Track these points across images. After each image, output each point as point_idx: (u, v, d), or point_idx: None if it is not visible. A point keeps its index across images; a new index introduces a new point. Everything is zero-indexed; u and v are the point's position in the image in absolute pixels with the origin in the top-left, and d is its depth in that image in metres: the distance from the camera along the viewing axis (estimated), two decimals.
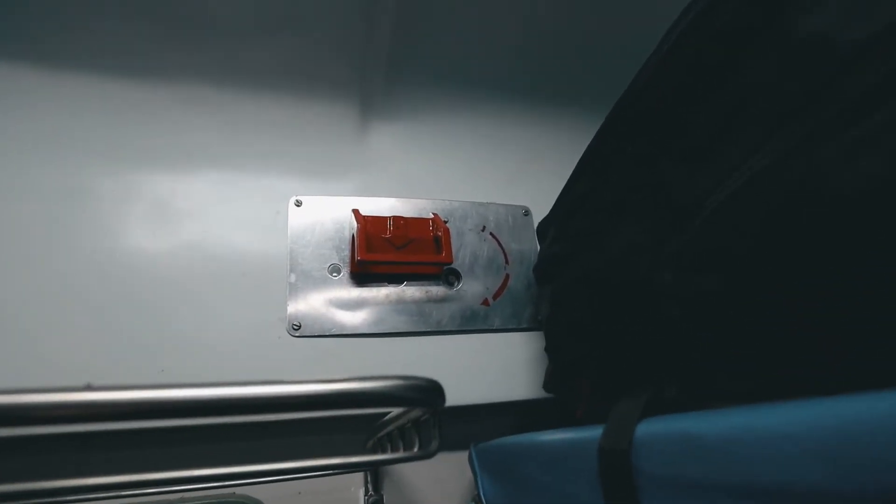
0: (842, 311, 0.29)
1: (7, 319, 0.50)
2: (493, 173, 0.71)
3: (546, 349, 0.56)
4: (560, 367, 0.53)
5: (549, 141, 0.74)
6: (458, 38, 0.67)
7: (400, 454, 0.41)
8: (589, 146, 0.51)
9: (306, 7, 0.61)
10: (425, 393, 0.34)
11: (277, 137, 0.64)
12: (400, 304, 0.60)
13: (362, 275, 0.60)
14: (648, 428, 0.32)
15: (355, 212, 0.60)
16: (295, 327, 0.57)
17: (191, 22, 0.60)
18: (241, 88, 0.64)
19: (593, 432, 0.36)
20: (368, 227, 0.59)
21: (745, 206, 0.32)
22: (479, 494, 0.53)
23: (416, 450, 0.41)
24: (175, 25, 0.60)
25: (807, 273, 0.30)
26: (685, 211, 0.36)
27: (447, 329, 0.61)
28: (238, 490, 0.57)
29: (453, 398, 0.62)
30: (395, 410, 0.48)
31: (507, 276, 0.66)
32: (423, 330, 0.60)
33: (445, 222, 0.64)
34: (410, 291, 0.61)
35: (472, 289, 0.64)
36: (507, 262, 0.66)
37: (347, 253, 0.61)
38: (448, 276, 0.63)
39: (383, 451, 0.50)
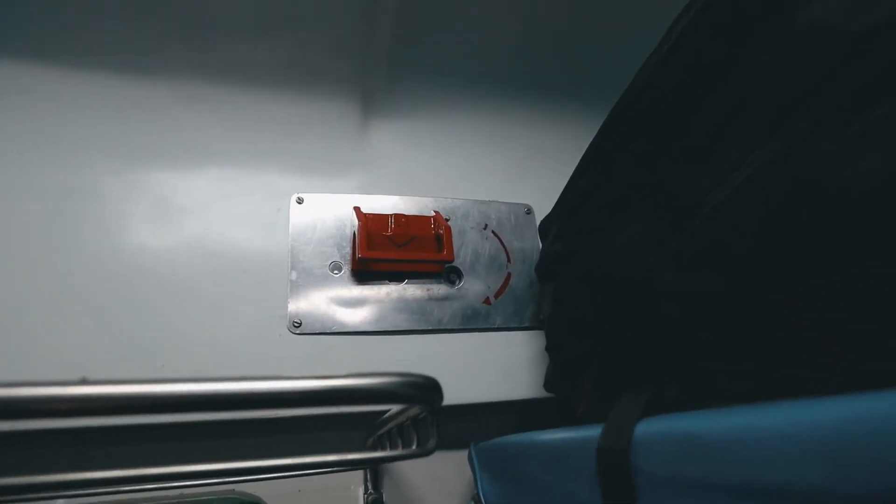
0: (842, 311, 0.29)
1: (9, 316, 0.50)
2: (494, 171, 0.71)
3: (547, 348, 0.56)
4: (562, 365, 0.53)
5: (551, 139, 0.73)
6: (458, 35, 0.67)
7: (397, 451, 0.41)
8: (591, 143, 0.50)
9: (307, 5, 0.61)
10: (422, 390, 0.34)
11: (279, 135, 0.64)
12: (401, 303, 0.60)
13: (363, 273, 0.60)
14: (648, 427, 0.32)
15: (356, 209, 0.59)
16: (296, 324, 0.57)
17: (192, 20, 0.60)
18: (242, 86, 0.64)
19: (593, 431, 0.35)
20: (370, 225, 0.59)
21: (745, 205, 0.31)
22: (478, 494, 0.53)
23: (414, 447, 0.40)
24: (176, 24, 0.60)
25: (807, 272, 0.30)
26: (685, 210, 0.35)
27: (448, 327, 0.61)
28: (238, 487, 0.57)
29: (453, 397, 0.62)
30: (395, 408, 0.48)
31: (509, 275, 0.65)
32: (424, 328, 0.60)
33: (447, 220, 0.64)
34: (411, 290, 0.61)
35: (473, 287, 0.63)
36: (508, 260, 0.66)
37: (349, 251, 0.61)
38: (449, 274, 0.63)
39: (383, 448, 0.50)
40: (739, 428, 0.25)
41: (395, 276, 0.61)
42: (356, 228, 0.58)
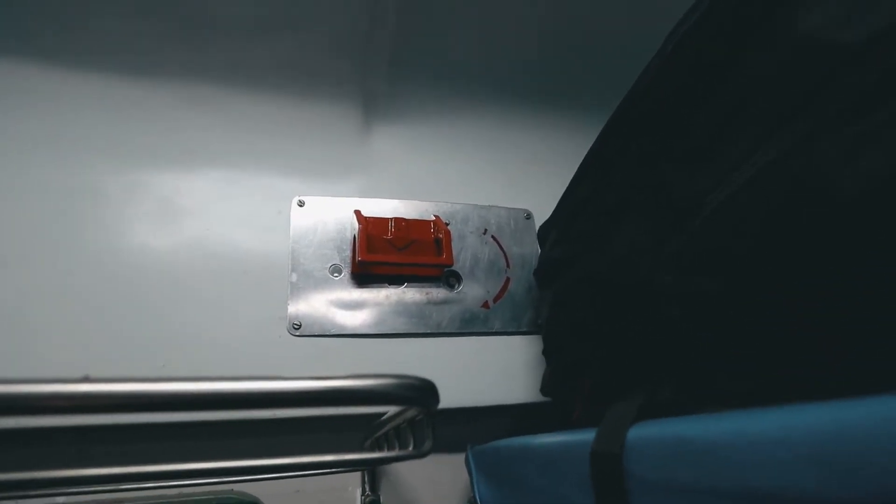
0: (842, 312, 0.29)
1: (11, 315, 0.50)
2: (495, 176, 0.71)
3: (544, 352, 0.56)
4: (560, 368, 0.53)
5: (552, 144, 0.74)
6: (460, 39, 0.67)
7: (393, 453, 0.41)
8: (591, 149, 0.51)
9: (308, 6, 0.62)
10: (418, 392, 0.34)
11: (280, 137, 0.65)
12: (400, 306, 0.60)
13: (363, 276, 0.60)
14: (641, 432, 0.32)
15: (357, 212, 0.60)
16: (295, 326, 0.57)
17: (193, 21, 0.61)
18: (243, 88, 0.64)
19: (587, 435, 0.36)
20: (370, 228, 0.59)
21: (745, 206, 0.32)
22: (474, 496, 0.53)
23: (410, 449, 0.41)
24: (178, 24, 0.60)
25: (807, 273, 0.30)
26: (685, 211, 0.36)
27: (447, 331, 0.61)
28: (236, 487, 0.57)
29: (451, 400, 0.62)
30: (392, 410, 0.48)
31: (508, 280, 0.66)
32: (423, 331, 0.60)
33: (447, 224, 0.64)
34: (411, 293, 0.61)
35: (472, 291, 0.64)
36: (508, 265, 0.66)
37: (349, 253, 0.61)
38: (449, 278, 0.64)
39: (380, 450, 0.50)
40: (731, 433, 0.26)
41: (395, 280, 0.61)
42: (356, 231, 0.59)
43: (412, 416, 0.42)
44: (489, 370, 0.61)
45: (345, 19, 0.63)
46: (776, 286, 0.31)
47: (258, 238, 0.60)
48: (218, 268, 0.57)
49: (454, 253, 0.64)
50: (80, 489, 0.38)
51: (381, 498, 0.62)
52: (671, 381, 0.35)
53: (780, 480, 0.23)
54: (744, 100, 0.34)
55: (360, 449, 0.53)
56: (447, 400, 0.62)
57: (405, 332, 0.60)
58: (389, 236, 0.59)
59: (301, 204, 0.62)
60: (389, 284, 0.61)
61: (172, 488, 0.48)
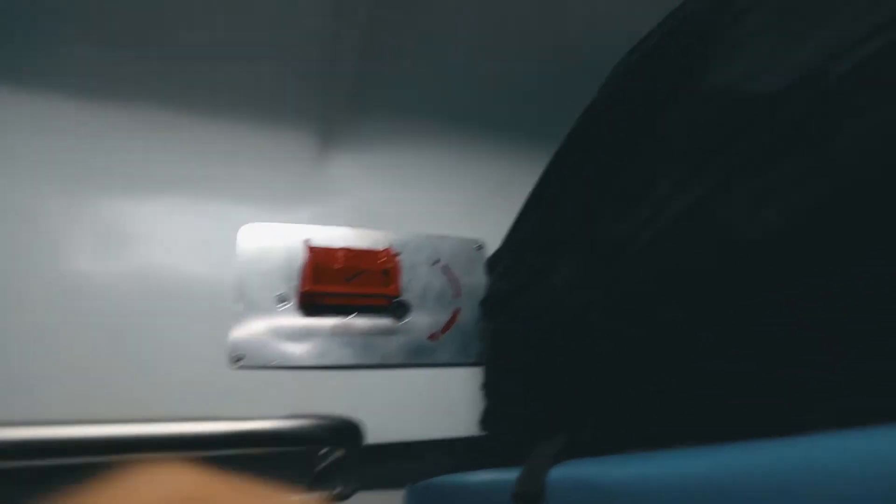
0: (752, 359, 0.30)
1: None
2: (449, 206, 0.72)
3: (483, 385, 0.56)
4: (496, 402, 0.53)
5: (507, 175, 0.75)
6: (420, 71, 0.69)
7: (313, 495, 0.41)
8: (537, 183, 0.52)
9: (267, 35, 0.62)
10: (336, 433, 0.33)
11: (233, 163, 0.64)
12: (346, 337, 0.60)
13: (310, 306, 0.60)
14: (560, 473, 0.32)
15: (306, 242, 0.60)
16: (238, 358, 0.56)
17: (143, 45, 0.60)
18: (195, 113, 0.64)
19: (513, 475, 0.35)
20: (318, 258, 0.59)
21: (663, 251, 0.33)
22: None
23: (337, 489, 0.40)
24: (131, 49, 0.60)
25: (719, 320, 0.31)
26: (612, 254, 0.37)
27: (393, 363, 0.60)
28: None
29: (395, 434, 0.61)
30: (325, 449, 0.47)
31: (458, 311, 0.66)
32: (369, 363, 0.60)
33: (397, 254, 0.64)
34: (358, 323, 0.61)
35: (420, 322, 0.63)
36: (458, 295, 0.67)
37: (297, 283, 0.60)
38: (397, 308, 0.63)
39: (316, 489, 0.49)
40: (634, 477, 0.26)
41: (343, 310, 0.61)
42: (304, 261, 0.58)
43: (340, 455, 0.41)
44: (434, 403, 0.60)
45: (304, 48, 0.64)
46: (690, 328, 0.31)
47: (205, 266, 0.59)
48: (161, 297, 0.56)
49: (405, 283, 0.64)
50: None
51: None
52: (593, 421, 0.35)
53: None
54: (666, 147, 0.35)
55: (299, 486, 0.52)
56: (390, 434, 0.62)
57: (350, 363, 0.59)
58: (338, 266, 0.59)
59: (250, 231, 0.62)
60: (337, 314, 0.60)
61: None
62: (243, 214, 0.62)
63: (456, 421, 0.60)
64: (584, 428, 0.35)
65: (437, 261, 0.67)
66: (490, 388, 0.54)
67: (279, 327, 0.58)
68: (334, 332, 0.60)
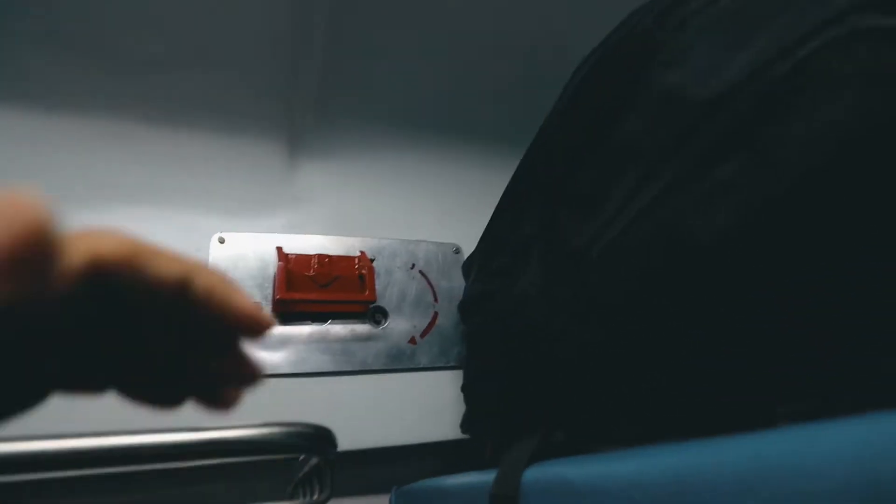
0: (709, 355, 0.30)
1: None
2: (424, 211, 0.72)
3: (462, 388, 0.56)
4: (474, 405, 0.53)
5: (480, 179, 0.75)
6: (387, 77, 0.68)
7: (288, 502, 0.40)
8: (506, 188, 0.52)
9: (231, 45, 0.61)
10: (309, 441, 0.33)
11: (201, 173, 0.63)
12: (323, 343, 0.59)
13: (285, 313, 0.59)
14: (535, 474, 0.32)
15: (278, 249, 0.59)
16: None
17: (111, 57, 0.59)
18: (163, 124, 0.63)
19: (490, 476, 0.36)
20: (291, 265, 0.58)
21: (620, 256, 0.33)
22: None
23: (314, 497, 0.40)
24: (94, 60, 0.59)
25: (677, 320, 0.31)
26: (573, 258, 0.37)
27: (372, 368, 0.60)
28: None
29: (376, 439, 0.60)
30: (303, 456, 0.47)
31: (436, 314, 0.66)
32: (348, 369, 0.59)
33: (372, 260, 0.64)
34: (335, 330, 0.60)
35: (398, 327, 0.63)
36: (435, 300, 0.66)
37: (271, 291, 0.60)
38: (374, 314, 0.63)
39: (295, 497, 0.48)
40: (603, 476, 0.26)
41: (319, 317, 0.60)
42: (277, 269, 0.58)
43: (316, 463, 0.41)
44: (416, 407, 0.60)
45: (269, 57, 0.63)
46: (650, 330, 0.32)
47: None
48: None
49: (380, 288, 0.63)
50: None
51: None
52: (564, 422, 0.35)
53: None
54: (620, 153, 0.35)
55: (282, 495, 0.51)
56: (372, 439, 0.61)
57: (328, 370, 0.58)
58: (311, 273, 0.59)
59: (222, 241, 0.61)
60: (313, 321, 0.60)
61: None
62: (215, 223, 0.62)
63: (439, 424, 0.60)
64: (557, 429, 0.35)
65: (413, 265, 0.67)
66: (469, 391, 0.54)
67: None
68: (311, 340, 0.59)
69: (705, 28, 0.30)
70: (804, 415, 0.20)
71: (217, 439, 0.29)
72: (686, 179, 0.29)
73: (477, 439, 0.54)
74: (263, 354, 0.57)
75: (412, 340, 0.63)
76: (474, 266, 0.58)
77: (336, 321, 0.61)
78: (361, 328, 0.61)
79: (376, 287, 0.62)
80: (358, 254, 0.63)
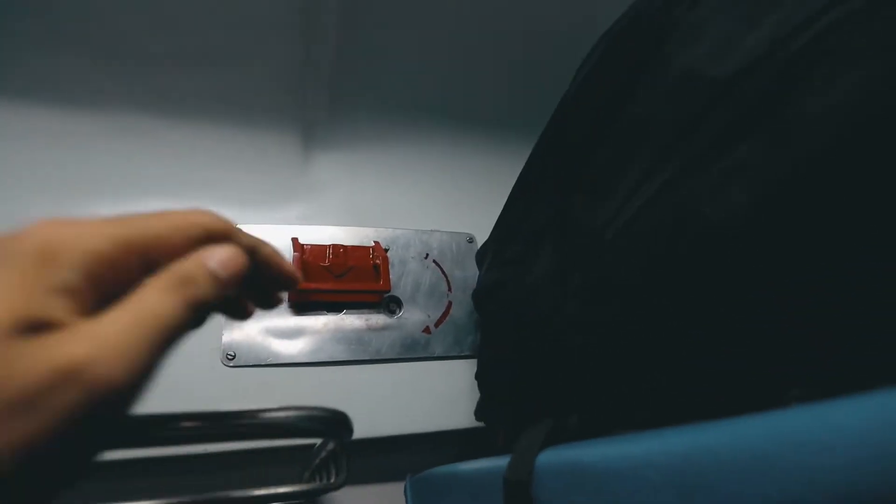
0: (726, 336, 0.30)
1: None
2: (437, 201, 0.72)
3: (476, 376, 0.56)
4: (488, 392, 0.53)
5: (494, 167, 0.75)
6: (400, 67, 0.69)
7: (304, 486, 0.41)
8: (520, 174, 0.52)
9: (244, 39, 0.62)
10: (325, 424, 0.33)
11: (216, 167, 0.64)
12: (339, 333, 0.60)
13: (301, 303, 0.60)
14: (548, 458, 0.32)
15: (294, 240, 0.60)
16: (230, 357, 0.56)
17: (124, 52, 0.60)
18: (180, 118, 0.64)
19: (504, 462, 0.36)
20: (306, 256, 0.59)
21: (635, 238, 0.33)
22: None
23: (329, 481, 0.40)
24: (108, 56, 0.60)
25: (691, 302, 0.31)
26: (587, 243, 0.37)
27: (387, 357, 0.61)
28: None
29: (392, 427, 0.61)
30: (320, 441, 0.47)
31: (450, 304, 0.66)
32: (362, 359, 0.60)
33: (386, 250, 0.64)
34: (350, 320, 0.61)
35: (413, 316, 0.64)
36: (449, 289, 0.67)
37: None
38: (389, 303, 0.63)
39: (311, 481, 0.49)
40: (617, 457, 0.26)
41: (334, 307, 0.61)
42: (293, 259, 0.58)
43: (332, 448, 0.41)
44: (430, 396, 0.61)
45: (282, 50, 0.64)
46: (665, 313, 0.32)
47: None
48: None
49: (395, 278, 0.64)
50: None
51: None
52: (578, 407, 0.35)
53: None
54: (634, 134, 0.35)
55: (299, 481, 0.52)
56: (387, 427, 0.62)
57: (344, 359, 0.59)
58: (327, 263, 0.59)
59: None
60: (328, 311, 0.61)
61: None
62: (230, 215, 0.61)
63: (453, 413, 0.60)
64: (570, 413, 0.35)
65: (427, 255, 0.68)
66: (483, 379, 0.55)
67: (271, 326, 0.58)
68: (326, 329, 0.60)
69: (719, 4, 0.30)
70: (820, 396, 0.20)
71: (234, 423, 0.30)
72: (701, 159, 0.29)
73: (491, 427, 0.54)
74: (281, 344, 0.58)
75: (426, 330, 0.63)
76: (488, 255, 0.58)
77: (351, 311, 0.61)
78: (376, 318, 0.62)
79: (391, 277, 0.62)
80: (372, 244, 0.64)
